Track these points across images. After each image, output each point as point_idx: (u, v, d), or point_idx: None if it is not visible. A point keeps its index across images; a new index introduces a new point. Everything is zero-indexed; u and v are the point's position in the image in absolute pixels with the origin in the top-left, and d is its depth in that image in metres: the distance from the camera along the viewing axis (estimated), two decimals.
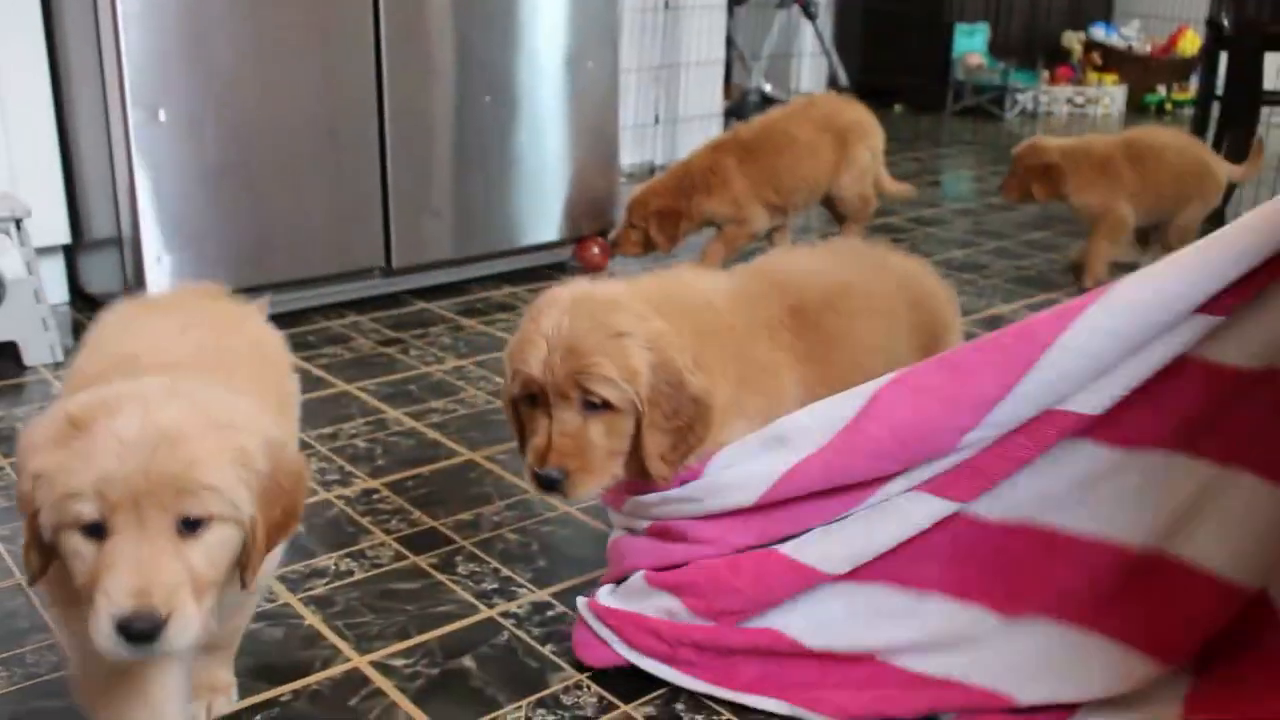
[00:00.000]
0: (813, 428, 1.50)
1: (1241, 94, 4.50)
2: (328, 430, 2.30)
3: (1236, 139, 4.49)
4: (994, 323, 3.01)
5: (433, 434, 2.30)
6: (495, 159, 3.19)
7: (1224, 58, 4.72)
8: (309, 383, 2.53)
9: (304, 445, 2.21)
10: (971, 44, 6.81)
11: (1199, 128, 4.99)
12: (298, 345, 2.76)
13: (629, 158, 4.76)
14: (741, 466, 1.54)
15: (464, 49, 3.06)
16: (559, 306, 1.53)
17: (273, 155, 2.81)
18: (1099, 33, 7.55)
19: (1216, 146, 4.55)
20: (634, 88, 4.68)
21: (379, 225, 3.02)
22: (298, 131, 2.83)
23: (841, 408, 1.50)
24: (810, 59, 6.52)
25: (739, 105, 5.62)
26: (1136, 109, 7.36)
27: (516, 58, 3.17)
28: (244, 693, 1.50)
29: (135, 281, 2.71)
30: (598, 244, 3.44)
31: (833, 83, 6.58)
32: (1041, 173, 3.30)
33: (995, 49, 7.00)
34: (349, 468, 2.14)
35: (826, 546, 1.49)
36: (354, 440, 2.26)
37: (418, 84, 3.00)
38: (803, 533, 1.51)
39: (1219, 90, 4.84)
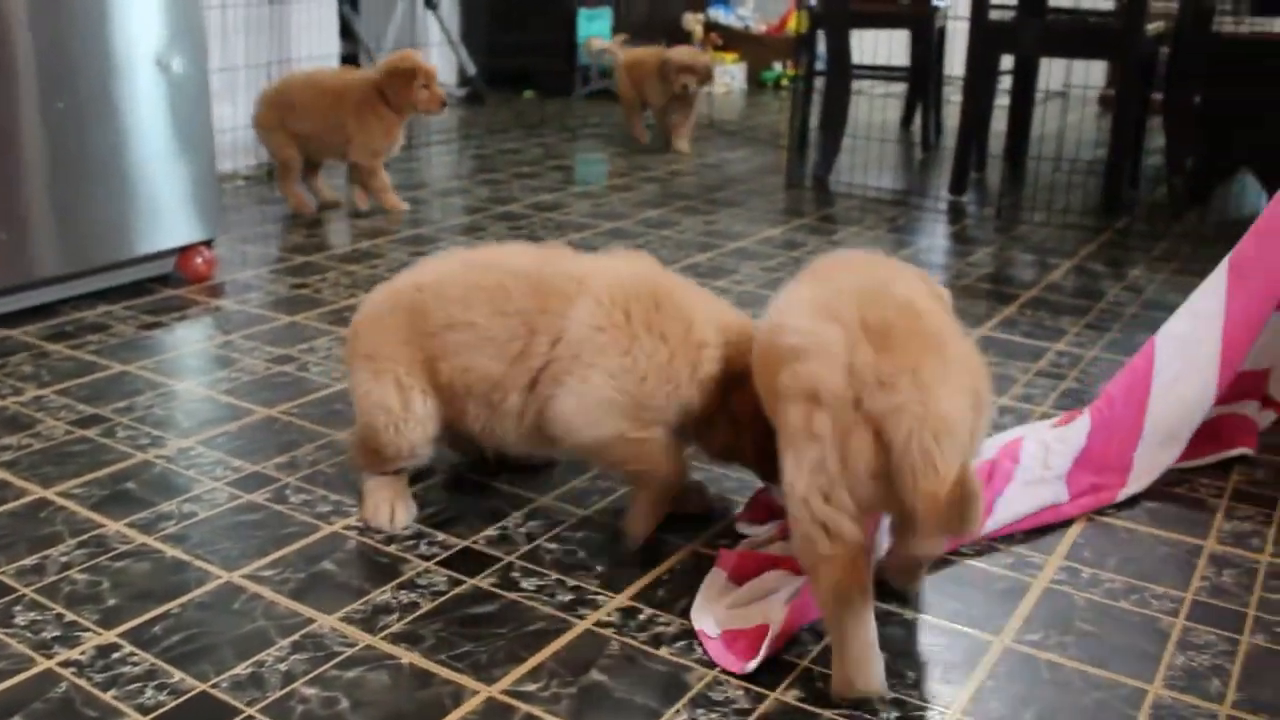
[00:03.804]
0: None
1: (835, 68, 4.78)
2: None
3: (834, 108, 4.78)
4: None
5: (1, 474, 2.12)
6: (79, 168, 2.97)
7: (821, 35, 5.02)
8: None
9: None
10: (594, 28, 6.94)
11: (805, 100, 5.30)
12: None
13: (245, 160, 4.58)
14: None
15: (37, 46, 2.83)
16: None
17: None
18: (718, 14, 7.87)
19: (825, 116, 4.83)
20: (243, 86, 4.49)
21: None
22: None
23: None
24: (438, 49, 6.47)
25: None
26: (756, 85, 7.73)
27: (95, 57, 2.96)
28: None
29: None
30: (201, 254, 3.28)
31: (461, 73, 6.57)
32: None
33: (619, 32, 7.17)
34: None
35: None
36: None
37: None
38: None
39: (819, 65, 5.16)
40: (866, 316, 1.50)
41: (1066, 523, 2.01)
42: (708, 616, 1.68)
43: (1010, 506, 1.97)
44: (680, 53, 5.17)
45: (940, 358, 1.46)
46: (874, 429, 1.42)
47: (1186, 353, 2.12)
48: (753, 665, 1.57)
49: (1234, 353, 2.11)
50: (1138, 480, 2.10)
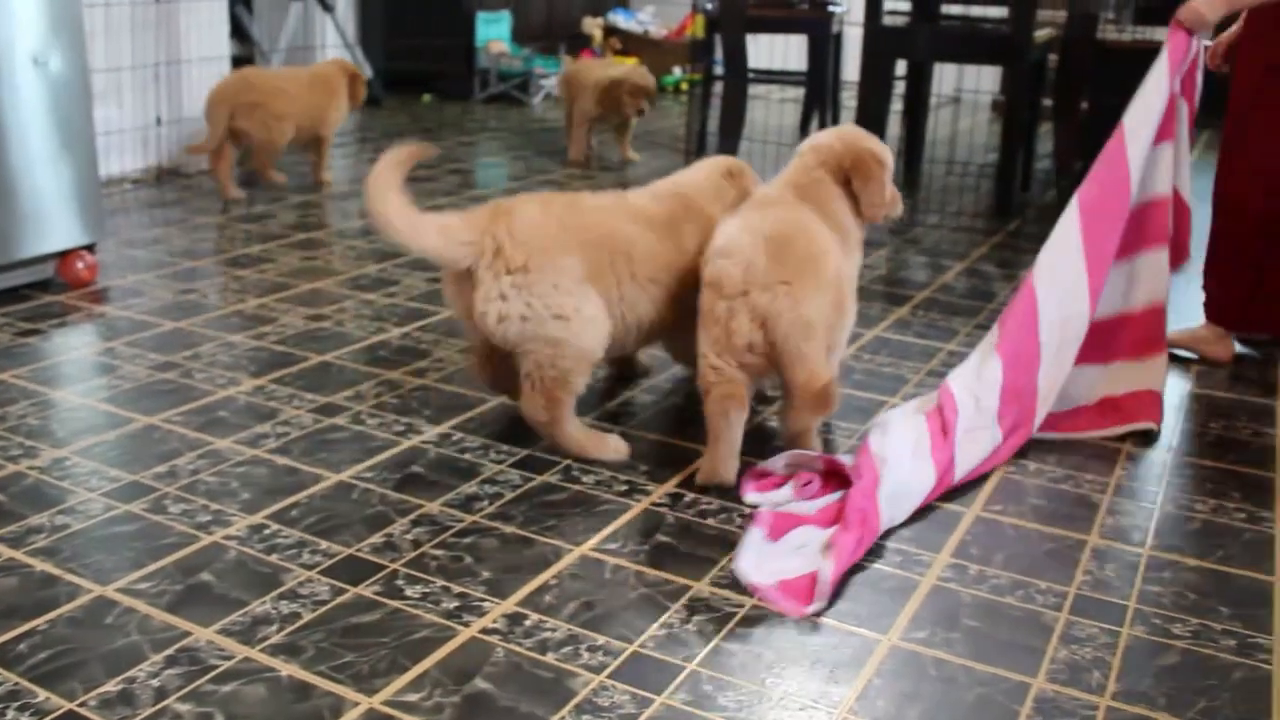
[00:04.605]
0: None
1: (732, 72, 4.81)
2: None
3: (732, 112, 4.81)
4: None
5: None
6: None
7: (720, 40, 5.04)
8: None
9: None
10: (494, 32, 6.89)
11: (703, 104, 5.32)
12: None
13: (131, 163, 4.46)
14: None
15: None
16: None
17: None
18: (617, 18, 7.87)
19: (723, 120, 4.84)
20: (130, 87, 4.37)
21: None
22: None
23: None
24: (334, 51, 6.37)
25: None
26: (656, 90, 7.73)
27: None
28: None
29: None
30: (83, 258, 3.18)
31: None
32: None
33: (518, 36, 7.13)
34: None
35: None
36: None
37: None
38: None
39: (718, 70, 5.17)
40: (772, 233, 2.10)
41: (954, 519, 2.03)
42: (757, 570, 1.82)
43: (965, 459, 2.17)
44: (632, 74, 5.03)
45: (815, 276, 2.07)
46: (756, 317, 2.05)
47: (1057, 278, 2.37)
48: (813, 608, 1.74)
49: (1097, 277, 2.38)
50: (1045, 400, 2.35)
